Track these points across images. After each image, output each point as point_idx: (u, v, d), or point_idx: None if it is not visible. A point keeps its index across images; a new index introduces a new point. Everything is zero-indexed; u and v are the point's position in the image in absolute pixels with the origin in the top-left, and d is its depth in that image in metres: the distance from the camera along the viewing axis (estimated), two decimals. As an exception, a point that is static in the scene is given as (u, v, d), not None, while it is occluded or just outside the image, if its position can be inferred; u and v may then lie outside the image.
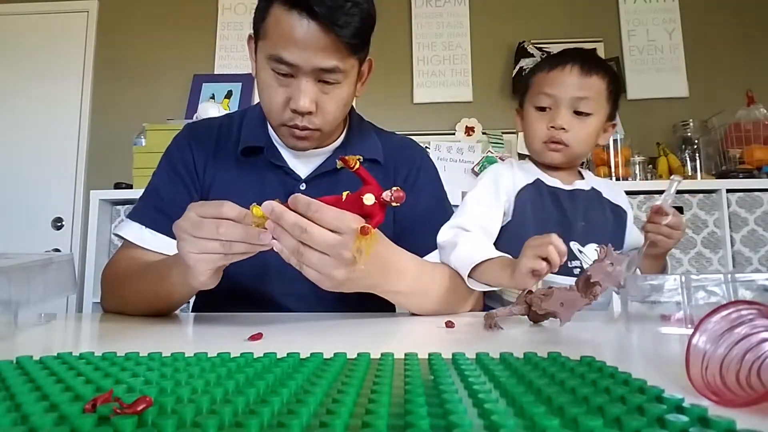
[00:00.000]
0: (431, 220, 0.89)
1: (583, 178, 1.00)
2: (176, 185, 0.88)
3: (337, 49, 0.73)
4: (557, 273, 0.85)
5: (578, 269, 0.89)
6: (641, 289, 0.55)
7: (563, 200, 0.94)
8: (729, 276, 0.51)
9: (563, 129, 0.89)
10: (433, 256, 0.87)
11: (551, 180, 0.96)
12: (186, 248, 0.59)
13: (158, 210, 0.85)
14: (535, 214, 0.92)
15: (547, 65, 0.93)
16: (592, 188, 0.98)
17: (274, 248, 0.58)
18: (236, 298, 0.85)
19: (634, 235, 1.01)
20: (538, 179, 0.95)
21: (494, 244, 0.90)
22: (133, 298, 0.79)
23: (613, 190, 1.02)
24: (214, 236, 0.57)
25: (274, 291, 0.86)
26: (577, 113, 0.89)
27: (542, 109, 0.91)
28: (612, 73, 0.92)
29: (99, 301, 0.87)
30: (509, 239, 0.90)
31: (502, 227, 0.93)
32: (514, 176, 0.96)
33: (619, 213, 1.00)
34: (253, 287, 0.85)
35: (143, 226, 0.84)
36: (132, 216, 0.87)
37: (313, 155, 0.89)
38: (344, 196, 0.59)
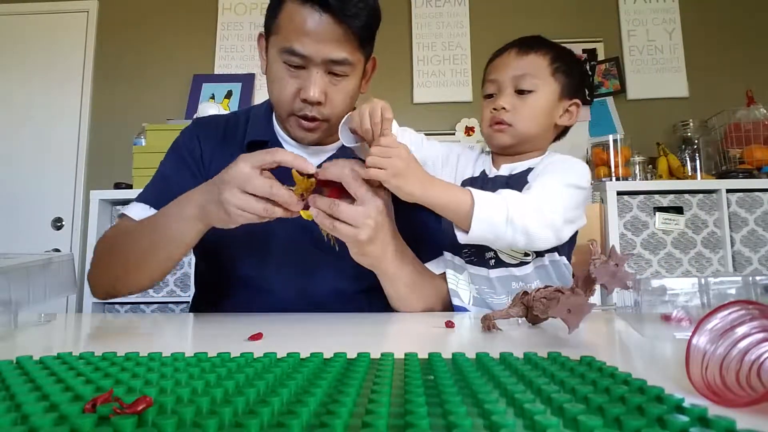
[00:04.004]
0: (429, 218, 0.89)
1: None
2: (183, 172, 0.90)
3: (347, 40, 0.77)
4: (474, 263, 0.85)
5: (493, 260, 0.84)
6: (654, 291, 0.54)
7: (484, 187, 0.83)
8: (750, 279, 0.51)
9: (504, 109, 0.87)
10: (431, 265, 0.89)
11: (492, 170, 0.92)
12: (231, 201, 0.65)
13: (165, 192, 0.86)
14: None
15: (491, 56, 0.94)
16: (518, 173, 0.88)
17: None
18: (235, 290, 0.86)
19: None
20: (483, 171, 0.92)
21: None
22: (124, 255, 0.80)
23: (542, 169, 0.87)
24: (264, 194, 0.64)
25: (273, 287, 0.86)
26: (520, 92, 0.87)
27: (490, 96, 0.92)
28: (556, 50, 0.89)
29: (98, 301, 0.87)
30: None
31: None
32: (475, 166, 0.94)
33: None
34: (253, 281, 0.86)
35: (149, 206, 0.86)
36: (139, 198, 0.89)
37: (319, 152, 0.91)
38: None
